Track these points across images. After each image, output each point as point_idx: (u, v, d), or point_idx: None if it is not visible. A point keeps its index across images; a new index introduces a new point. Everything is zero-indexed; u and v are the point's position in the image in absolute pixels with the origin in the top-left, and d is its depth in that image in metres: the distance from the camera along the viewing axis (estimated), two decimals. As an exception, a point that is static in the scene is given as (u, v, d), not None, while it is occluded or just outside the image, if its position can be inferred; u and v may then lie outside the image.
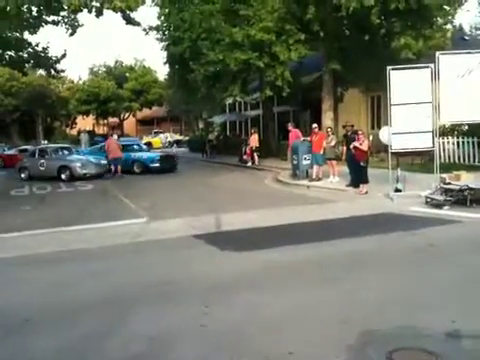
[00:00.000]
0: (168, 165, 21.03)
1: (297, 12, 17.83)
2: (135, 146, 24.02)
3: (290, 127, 18.02)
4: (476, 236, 7.77)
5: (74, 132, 54.94)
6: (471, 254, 6.63)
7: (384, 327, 4.40)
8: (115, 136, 22.21)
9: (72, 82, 57.43)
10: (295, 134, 17.70)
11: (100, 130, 60.64)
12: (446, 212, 9.73)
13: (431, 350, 3.87)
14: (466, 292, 5.23)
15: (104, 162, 20.03)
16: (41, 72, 38.68)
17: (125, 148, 21.15)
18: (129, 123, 60.52)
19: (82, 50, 74.89)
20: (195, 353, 4.13)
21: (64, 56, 23.70)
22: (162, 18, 23.45)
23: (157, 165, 20.57)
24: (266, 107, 27.95)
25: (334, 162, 14.61)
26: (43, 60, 23.19)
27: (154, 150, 31.38)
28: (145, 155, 21.82)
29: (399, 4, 15.77)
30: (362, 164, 12.54)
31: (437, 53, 11.87)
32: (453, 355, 3.83)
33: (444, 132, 16.43)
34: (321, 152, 14.82)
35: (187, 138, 41.64)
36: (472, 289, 5.31)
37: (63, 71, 26.40)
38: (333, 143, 14.76)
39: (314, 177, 14.99)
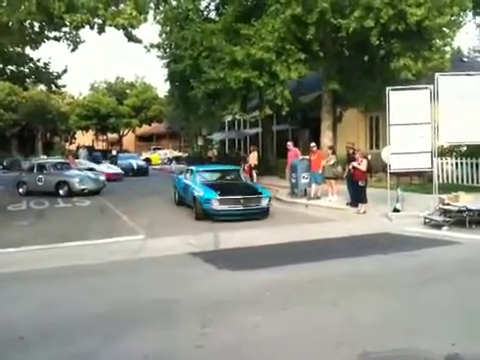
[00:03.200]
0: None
1: (297, 32, 17.99)
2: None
3: (289, 145, 18.06)
4: (476, 257, 7.73)
5: (73, 147, 55.01)
6: (471, 276, 6.59)
7: (383, 350, 4.34)
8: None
9: (72, 97, 57.64)
10: (294, 153, 17.73)
11: (99, 146, 60.73)
12: (445, 233, 9.70)
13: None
14: (466, 315, 5.18)
15: (102, 178, 19.98)
16: (42, 87, 38.77)
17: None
18: (128, 139, 60.63)
19: (83, 66, 75.31)
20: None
21: (65, 71, 23.80)
22: (163, 36, 23.63)
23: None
24: (265, 125, 28.06)
25: (333, 181, 14.60)
26: (44, 75, 23.26)
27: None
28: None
29: (399, 26, 15.95)
30: (360, 184, 12.54)
31: (436, 74, 11.98)
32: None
33: (443, 153, 16.48)
34: (320, 171, 14.83)
35: (186, 155, 41.68)
36: (473, 311, 5.26)
37: (64, 86, 26.49)
38: (332, 162, 14.78)
39: (312, 196, 14.98)
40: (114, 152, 43.43)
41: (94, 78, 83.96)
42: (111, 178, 23.73)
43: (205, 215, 12.11)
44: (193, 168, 14.66)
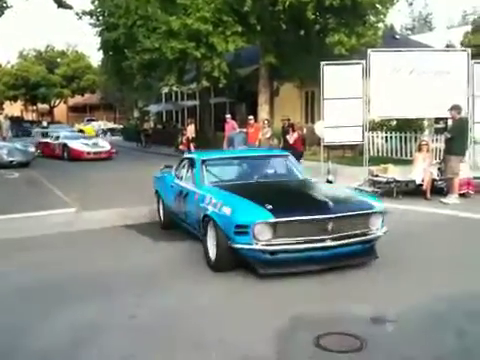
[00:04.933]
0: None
1: (234, 4, 17.86)
2: None
3: (227, 118, 18.07)
4: (401, 226, 8.12)
5: (0, 118, 52.23)
6: (396, 243, 6.93)
7: (311, 313, 4.52)
8: None
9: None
10: (231, 125, 17.76)
11: (29, 116, 58.13)
12: (374, 203, 10.11)
13: (357, 334, 4.03)
14: (391, 280, 5.48)
15: (32, 150, 19.21)
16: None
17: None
18: (60, 110, 58.40)
19: (11, 33, 71.16)
20: (120, 346, 4.04)
21: (-10, 38, 22.44)
22: (96, 2, 22.72)
23: None
24: (203, 98, 27.86)
25: (269, 154, 14.76)
26: (-34, 41, 21.83)
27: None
28: None
29: (334, 1, 16.18)
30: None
31: (369, 50, 12.30)
32: (377, 339, 4.00)
33: (374, 127, 17.08)
34: (256, 144, 14.97)
35: (121, 127, 40.71)
36: (395, 277, 5.57)
37: (-11, 53, 25.03)
38: (268, 135, 14.97)
39: (249, 168, 15.04)
40: (45, 123, 41.78)
41: (23, 46, 79.61)
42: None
43: (235, 260, 5.66)
44: (195, 156, 7.59)
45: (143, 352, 3.91)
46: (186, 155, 8.78)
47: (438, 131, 15.06)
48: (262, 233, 5.29)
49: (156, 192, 8.86)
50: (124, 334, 4.24)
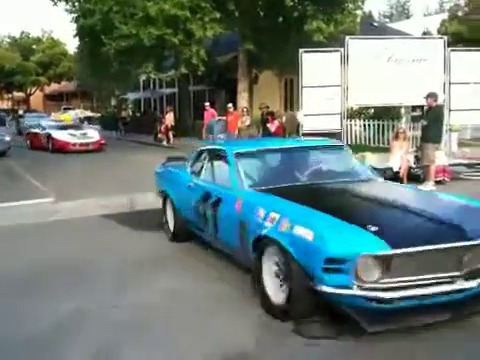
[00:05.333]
0: None
1: (212, -11, 17.70)
2: None
3: (207, 106, 17.99)
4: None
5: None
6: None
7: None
8: None
9: (-28, 52, 53.22)
10: (210, 113, 17.73)
11: (4, 105, 57.02)
12: (352, 191, 10.19)
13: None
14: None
15: (7, 139, 18.86)
16: None
17: None
18: (36, 98, 57.37)
19: (-17, 18, 69.42)
20: (102, 335, 4.03)
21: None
22: (71, -12, 22.24)
23: None
24: (181, 85, 27.65)
25: (248, 142, 14.78)
26: None
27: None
28: None
29: (312, -13, 16.16)
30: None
31: (347, 38, 12.34)
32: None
33: (352, 115, 17.17)
34: (236, 132, 14.97)
35: (99, 115, 40.21)
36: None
37: (-39, 39, 24.39)
38: (248, 123, 14.97)
39: (228, 156, 15.05)
40: (21, 112, 41.04)
41: (-4, 32, 77.76)
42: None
43: (318, 303, 3.89)
44: (224, 147, 5.78)
45: (125, 341, 3.90)
46: (205, 145, 6.60)
47: (415, 119, 15.21)
48: (369, 271, 3.53)
49: (162, 192, 7.10)
50: (107, 323, 4.24)
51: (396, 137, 11.13)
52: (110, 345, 3.86)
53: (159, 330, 4.09)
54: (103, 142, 20.20)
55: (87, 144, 19.63)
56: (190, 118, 26.12)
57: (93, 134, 20.76)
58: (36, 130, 21.43)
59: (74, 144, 19.38)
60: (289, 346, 3.72)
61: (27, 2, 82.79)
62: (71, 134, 19.97)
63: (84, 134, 20.40)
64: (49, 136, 19.99)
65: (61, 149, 19.02)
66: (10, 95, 57.81)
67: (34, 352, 3.83)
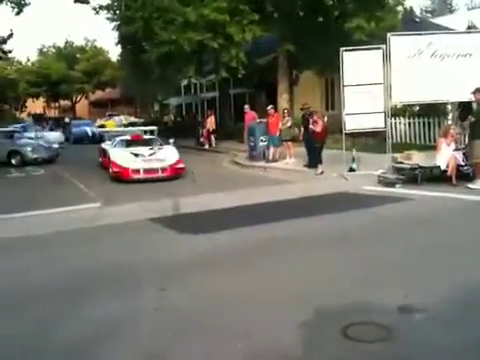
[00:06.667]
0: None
1: (250, -8, 17.72)
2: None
3: (246, 109, 18.02)
4: (426, 212, 8.03)
5: (24, 115, 53.07)
6: (422, 230, 6.86)
7: (337, 303, 4.49)
8: None
9: (20, 63, 55.22)
10: (251, 116, 17.73)
11: (51, 113, 58.88)
12: (398, 190, 10.01)
13: (384, 324, 3.99)
14: (419, 267, 5.40)
15: (55, 146, 19.46)
16: (-14, 53, 36.91)
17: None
18: (82, 106, 58.97)
19: (30, 30, 71.83)
20: (148, 336, 4.10)
21: (11, 36, 22.89)
22: (113, -4, 22.78)
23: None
24: (222, 89, 27.80)
25: (290, 143, 14.74)
26: (-12, 40, 22.20)
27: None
28: None
29: (352, -15, 15.93)
30: (316, 145, 12.72)
31: (388, 34, 12.07)
32: (405, 328, 3.96)
33: (396, 113, 16.81)
34: (277, 134, 14.91)
35: (142, 120, 40.95)
36: (424, 264, 5.50)
37: (10, 52, 25.42)
38: (289, 124, 14.90)
39: (271, 158, 15.08)
40: (67, 119, 42.20)
41: (42, 43, 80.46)
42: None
43: None
44: None
45: (169, 344, 3.94)
46: None
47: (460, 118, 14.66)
48: None
49: None
50: (150, 325, 4.30)
51: (444, 134, 10.82)
52: (153, 346, 3.91)
53: (205, 330, 4.12)
54: (181, 166, 13.56)
55: (155, 170, 13.15)
56: (231, 121, 26.21)
57: (167, 154, 14.00)
58: (105, 145, 16.05)
59: (136, 171, 13.06)
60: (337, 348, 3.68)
61: (71, 12, 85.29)
62: (134, 153, 13.87)
63: (153, 153, 14.03)
64: (104, 152, 15.33)
65: (118, 177, 13.18)
66: (57, 104, 59.62)
67: (75, 355, 3.90)
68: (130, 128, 21.36)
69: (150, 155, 13.91)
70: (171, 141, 15.35)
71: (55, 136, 25.95)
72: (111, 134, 17.88)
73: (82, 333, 4.21)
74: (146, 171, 13.11)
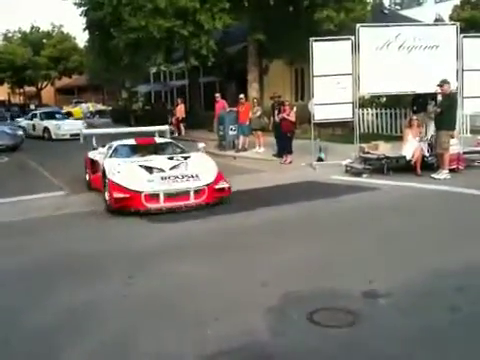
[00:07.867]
0: None
1: (221, -20, 17.57)
2: None
3: (217, 97, 17.94)
4: (391, 201, 8.19)
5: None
6: (388, 218, 6.99)
7: (304, 290, 4.55)
8: None
9: (-17, 48, 53.48)
10: (222, 104, 17.66)
11: (16, 100, 57.38)
12: (365, 180, 10.16)
13: (350, 309, 4.06)
14: (383, 254, 5.51)
15: (20, 133, 18.99)
16: None
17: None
18: (47, 92, 57.57)
19: (-7, 14, 69.61)
20: (116, 322, 4.08)
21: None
22: (80, -19, 22.22)
23: None
24: (192, 77, 27.59)
25: (260, 133, 14.77)
26: None
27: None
28: None
29: (322, -24, 15.98)
30: (288, 135, 12.80)
31: (357, 25, 12.17)
32: (370, 313, 4.04)
33: (364, 104, 17.02)
34: (247, 123, 14.92)
35: (110, 108, 40.28)
36: (389, 250, 5.61)
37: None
38: (259, 114, 14.91)
39: (240, 147, 15.09)
40: (32, 106, 41.23)
41: (7, 28, 78.04)
42: None
43: None
44: None
45: (137, 327, 3.93)
46: None
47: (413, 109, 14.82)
48: None
49: None
50: (118, 311, 4.29)
51: (409, 125, 11.01)
52: (121, 332, 3.89)
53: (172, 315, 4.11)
54: (224, 186, 8.47)
55: (184, 194, 8.13)
56: (201, 110, 26.07)
57: (199, 167, 8.80)
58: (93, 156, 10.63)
59: (153, 196, 7.99)
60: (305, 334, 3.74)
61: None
62: (147, 167, 8.66)
63: (175, 166, 8.80)
64: (95, 166, 10.20)
65: (124, 207, 7.95)
66: (22, 90, 58.08)
67: (44, 341, 3.87)
68: (130, 129, 15.92)
69: (172, 169, 8.67)
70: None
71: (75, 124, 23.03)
72: (97, 136, 11.98)
73: (48, 321, 4.16)
74: (169, 197, 8.03)
